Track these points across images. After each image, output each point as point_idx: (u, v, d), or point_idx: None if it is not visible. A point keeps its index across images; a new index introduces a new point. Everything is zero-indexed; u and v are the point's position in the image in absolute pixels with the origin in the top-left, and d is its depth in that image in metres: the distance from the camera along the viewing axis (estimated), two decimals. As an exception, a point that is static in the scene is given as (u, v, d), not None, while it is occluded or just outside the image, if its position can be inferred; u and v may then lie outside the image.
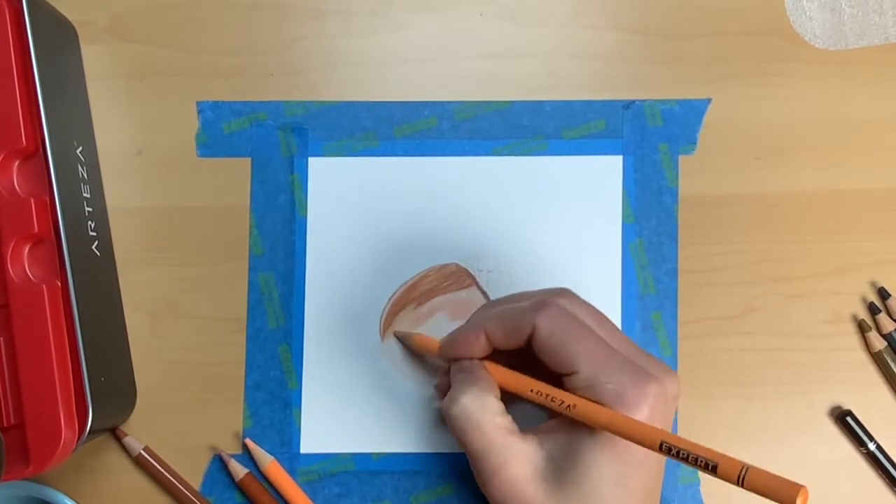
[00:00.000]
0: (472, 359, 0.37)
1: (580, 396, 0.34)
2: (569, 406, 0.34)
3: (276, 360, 0.42)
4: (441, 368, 0.42)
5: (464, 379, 0.36)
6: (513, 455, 0.34)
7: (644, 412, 0.33)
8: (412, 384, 0.42)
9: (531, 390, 0.35)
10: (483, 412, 0.35)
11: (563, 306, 0.35)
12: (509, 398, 0.36)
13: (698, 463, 0.30)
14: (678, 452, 0.31)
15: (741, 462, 0.29)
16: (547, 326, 0.34)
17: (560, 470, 0.34)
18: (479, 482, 0.36)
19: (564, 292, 0.36)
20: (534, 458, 0.35)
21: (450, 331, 0.40)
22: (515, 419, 0.36)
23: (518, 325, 0.35)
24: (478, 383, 0.36)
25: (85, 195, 0.40)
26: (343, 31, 0.43)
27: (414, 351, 0.42)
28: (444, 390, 0.40)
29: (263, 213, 0.43)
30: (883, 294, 0.42)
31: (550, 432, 0.35)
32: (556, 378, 0.35)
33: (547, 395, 0.34)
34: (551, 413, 0.36)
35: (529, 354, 0.35)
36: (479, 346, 0.36)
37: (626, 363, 0.34)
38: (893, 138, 0.43)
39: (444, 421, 0.42)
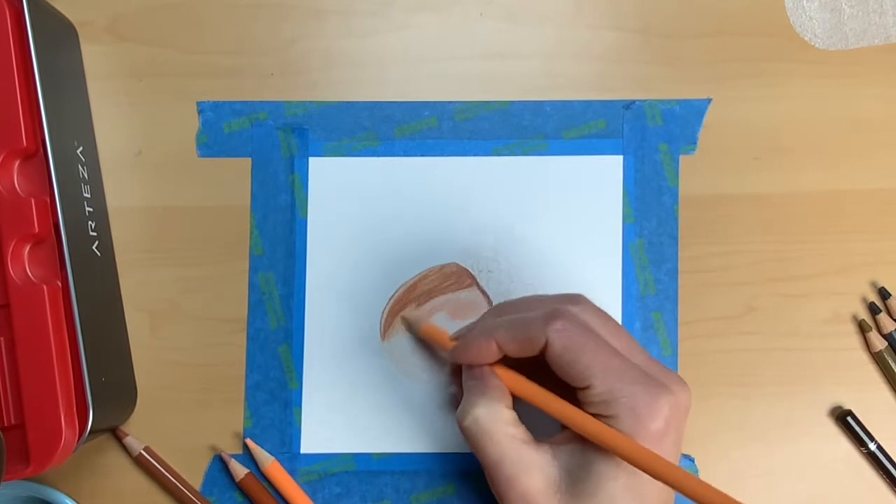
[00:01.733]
0: (482, 365, 0.36)
1: (591, 414, 0.33)
2: (579, 426, 0.33)
3: (277, 360, 0.42)
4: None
5: (475, 388, 0.36)
6: (526, 466, 0.34)
7: (658, 424, 0.32)
8: (413, 384, 0.42)
9: (542, 402, 0.35)
10: (496, 423, 0.34)
11: (575, 316, 0.34)
12: (523, 404, 0.36)
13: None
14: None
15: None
16: (560, 341, 0.33)
17: (575, 481, 0.34)
18: (495, 494, 0.35)
19: (578, 299, 0.35)
20: (548, 470, 0.34)
21: (451, 331, 0.40)
22: (529, 426, 0.36)
23: (530, 337, 0.34)
24: (489, 393, 0.35)
25: (85, 195, 0.40)
26: (343, 31, 0.43)
27: (418, 338, 0.42)
28: (456, 377, 0.40)
29: (264, 213, 0.43)
30: (883, 294, 0.42)
31: (565, 443, 0.35)
32: (571, 388, 0.34)
33: (558, 411, 0.34)
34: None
35: (544, 359, 0.35)
36: (490, 353, 0.36)
37: (639, 375, 0.33)
38: (893, 138, 0.43)
39: (450, 414, 0.42)
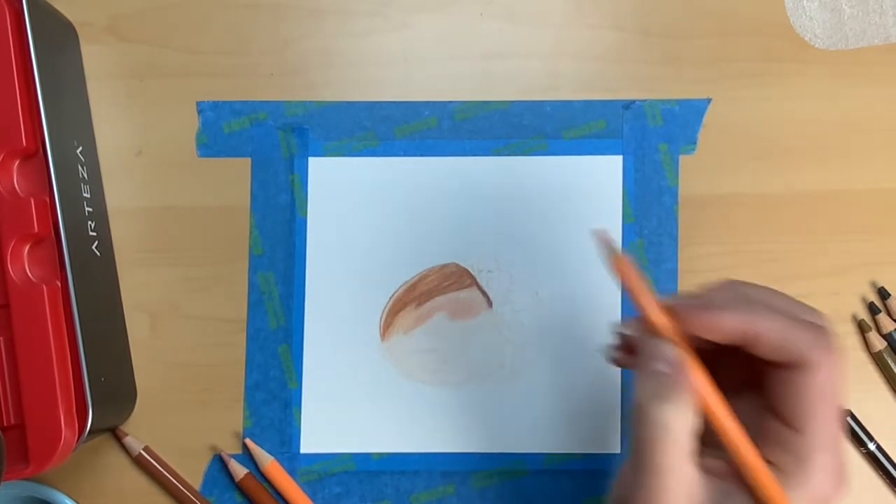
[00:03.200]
0: (679, 345, 0.31)
1: (769, 453, 0.30)
2: (751, 478, 0.30)
3: (277, 359, 0.42)
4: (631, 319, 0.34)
5: (670, 380, 0.31)
6: (683, 487, 0.30)
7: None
8: (412, 384, 0.42)
9: (727, 433, 0.31)
10: (683, 432, 0.30)
11: (839, 360, 0.30)
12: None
13: None
14: None
15: None
16: (823, 374, 0.30)
17: None
18: (631, 491, 0.31)
19: (836, 340, 0.31)
20: (695, 495, 0.30)
21: (450, 331, 0.40)
22: None
23: (793, 351, 0.30)
24: (687, 394, 0.30)
25: (85, 195, 0.40)
26: (342, 31, 0.43)
27: (607, 262, 0.33)
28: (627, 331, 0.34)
29: (264, 213, 0.43)
30: (883, 294, 0.42)
31: (721, 476, 0.31)
32: (733, 387, 0.31)
33: (739, 452, 0.30)
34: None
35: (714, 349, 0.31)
36: (722, 333, 0.30)
37: (839, 454, 0.30)
38: (893, 138, 0.43)
39: (450, 413, 0.42)
